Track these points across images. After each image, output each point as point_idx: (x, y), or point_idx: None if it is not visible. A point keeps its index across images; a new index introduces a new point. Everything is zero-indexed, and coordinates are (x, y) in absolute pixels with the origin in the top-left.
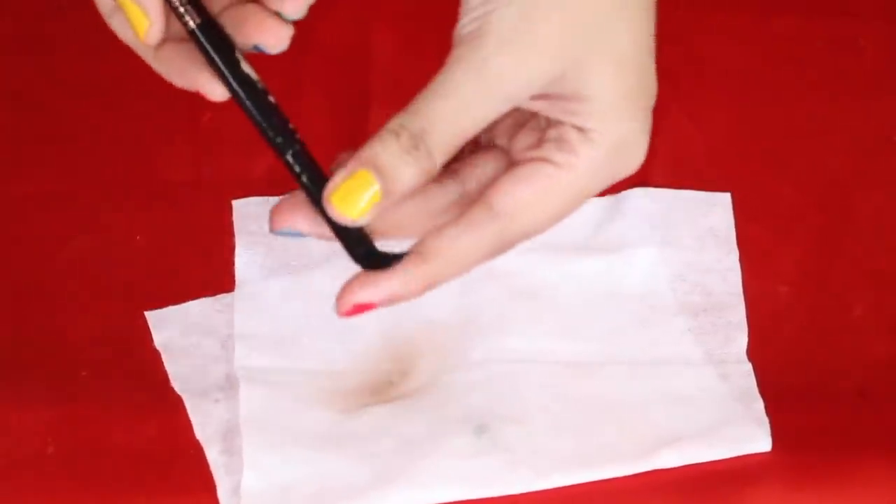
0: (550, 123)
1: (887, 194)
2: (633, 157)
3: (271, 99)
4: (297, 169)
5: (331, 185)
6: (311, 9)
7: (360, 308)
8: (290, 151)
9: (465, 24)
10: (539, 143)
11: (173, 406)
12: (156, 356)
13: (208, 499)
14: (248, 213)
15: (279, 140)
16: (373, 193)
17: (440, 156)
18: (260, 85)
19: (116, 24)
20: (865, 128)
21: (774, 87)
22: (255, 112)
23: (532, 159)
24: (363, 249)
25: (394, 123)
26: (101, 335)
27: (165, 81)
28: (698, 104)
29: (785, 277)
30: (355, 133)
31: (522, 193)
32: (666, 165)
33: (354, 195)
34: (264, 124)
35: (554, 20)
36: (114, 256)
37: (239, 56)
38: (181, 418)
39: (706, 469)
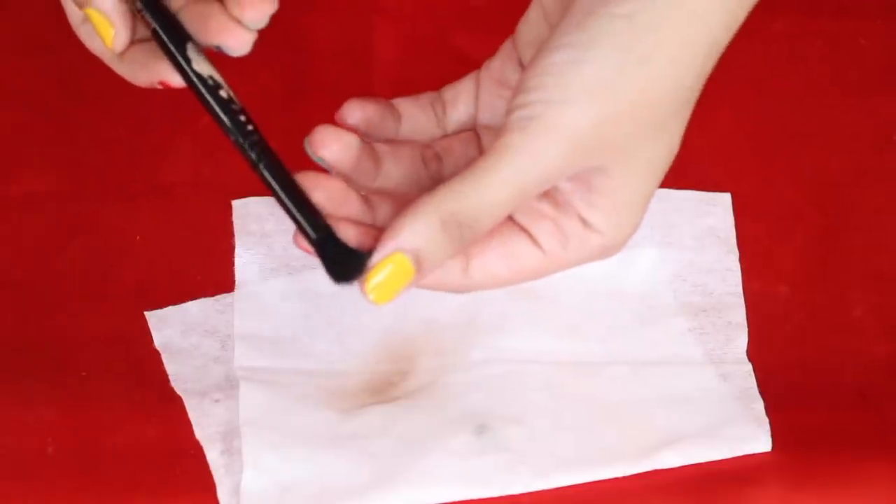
0: (558, 196)
1: (887, 194)
2: (613, 252)
3: (223, 93)
4: (254, 157)
5: (370, 277)
6: (312, 8)
7: None
8: (247, 142)
9: (523, 108)
10: (536, 212)
11: (173, 406)
12: (156, 356)
13: (208, 499)
14: (248, 212)
15: (231, 127)
16: (409, 279)
17: (479, 238)
18: (211, 81)
19: (84, 35)
20: (865, 128)
21: (774, 86)
22: (210, 104)
23: (523, 231)
24: (325, 237)
25: (443, 209)
26: (101, 335)
27: None
28: (699, 104)
29: (785, 277)
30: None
31: (499, 270)
32: None
33: (393, 287)
34: (218, 114)
35: (625, 129)
36: (114, 256)
37: (191, 54)
38: (181, 418)
39: (706, 469)
